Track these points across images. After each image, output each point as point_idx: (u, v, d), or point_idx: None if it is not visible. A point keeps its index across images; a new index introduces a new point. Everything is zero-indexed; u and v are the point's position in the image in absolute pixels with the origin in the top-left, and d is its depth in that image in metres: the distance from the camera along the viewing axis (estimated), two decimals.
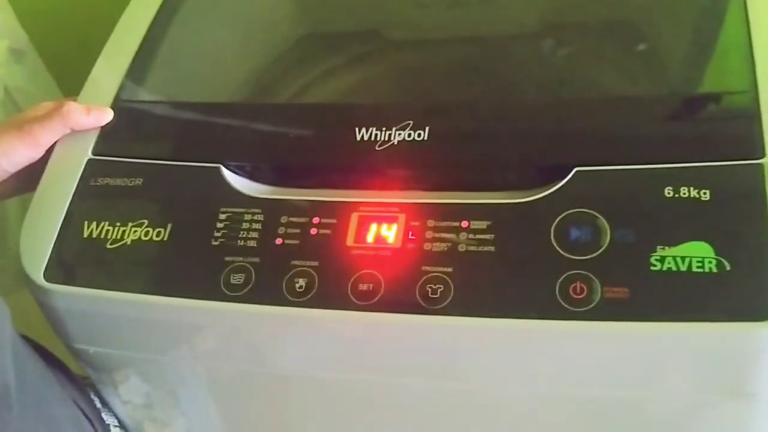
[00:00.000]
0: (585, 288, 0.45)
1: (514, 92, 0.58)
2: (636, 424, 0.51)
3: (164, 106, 0.64)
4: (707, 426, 0.49)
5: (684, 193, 0.46)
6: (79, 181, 0.57)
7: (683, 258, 0.45)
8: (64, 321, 0.56)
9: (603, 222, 0.47)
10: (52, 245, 0.55)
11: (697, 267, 0.44)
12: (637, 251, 0.45)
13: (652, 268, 0.45)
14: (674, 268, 0.44)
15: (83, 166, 0.58)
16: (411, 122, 0.53)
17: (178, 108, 0.63)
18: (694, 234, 0.45)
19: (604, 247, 0.46)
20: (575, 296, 0.45)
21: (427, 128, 0.53)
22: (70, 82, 0.81)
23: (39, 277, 0.54)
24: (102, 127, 0.60)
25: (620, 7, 0.62)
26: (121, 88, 0.63)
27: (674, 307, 0.44)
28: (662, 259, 0.45)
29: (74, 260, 0.55)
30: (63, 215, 0.56)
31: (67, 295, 0.54)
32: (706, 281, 0.44)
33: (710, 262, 0.44)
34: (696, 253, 0.45)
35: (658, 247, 0.45)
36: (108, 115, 0.60)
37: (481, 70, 0.60)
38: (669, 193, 0.47)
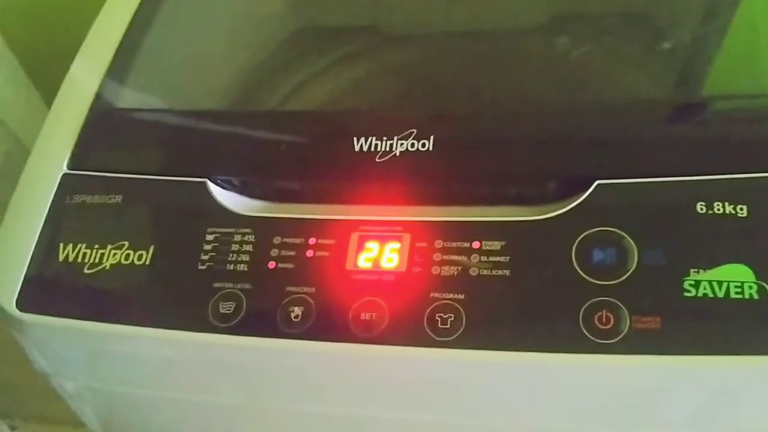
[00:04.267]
0: (612, 317, 0.41)
1: (526, 96, 0.54)
2: None
3: (145, 114, 0.59)
4: None
5: (718, 209, 0.42)
6: (54, 198, 0.53)
7: (720, 283, 0.41)
8: (40, 353, 0.52)
9: (629, 242, 0.43)
10: (24, 270, 0.51)
11: (736, 293, 0.40)
12: (669, 275, 0.41)
13: (686, 294, 0.41)
14: (710, 294, 0.40)
15: (58, 182, 0.54)
16: (414, 131, 0.49)
17: (160, 116, 0.59)
18: (731, 255, 0.41)
19: (631, 271, 0.42)
20: (601, 326, 0.41)
21: (432, 137, 0.49)
22: (48, 85, 0.77)
23: (11, 306, 0.50)
24: (78, 138, 0.56)
25: None
26: (99, 94, 0.58)
27: (711, 338, 0.40)
28: (697, 284, 0.41)
29: (49, 287, 0.50)
30: (36, 237, 0.52)
31: (42, 326, 0.49)
32: (746, 309, 0.40)
33: (750, 288, 0.40)
34: (734, 277, 0.41)
35: (692, 270, 0.41)
36: None
37: (490, 72, 0.56)
38: (701, 209, 0.43)
